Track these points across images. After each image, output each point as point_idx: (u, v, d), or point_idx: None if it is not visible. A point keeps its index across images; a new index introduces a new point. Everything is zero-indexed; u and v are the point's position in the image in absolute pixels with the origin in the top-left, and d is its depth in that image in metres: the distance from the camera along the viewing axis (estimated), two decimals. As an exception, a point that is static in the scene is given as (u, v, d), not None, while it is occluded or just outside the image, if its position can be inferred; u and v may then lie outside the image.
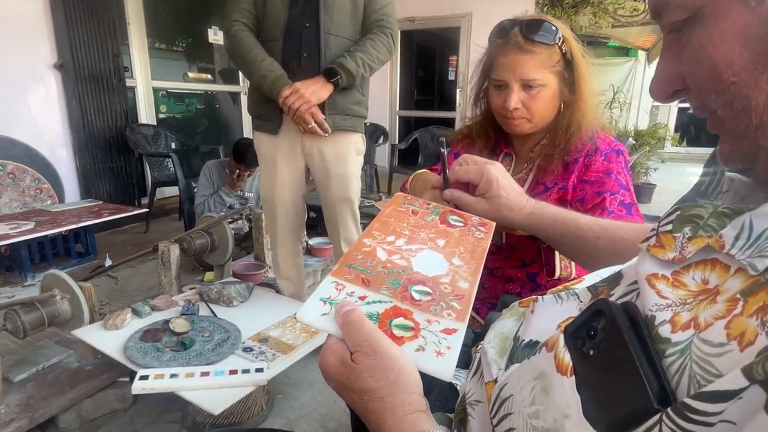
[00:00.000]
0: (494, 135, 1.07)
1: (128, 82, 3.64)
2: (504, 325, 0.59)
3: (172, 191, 3.90)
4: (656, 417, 0.29)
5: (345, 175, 1.72)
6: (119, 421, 1.53)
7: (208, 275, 2.31)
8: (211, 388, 1.21)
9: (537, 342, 0.49)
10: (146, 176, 3.74)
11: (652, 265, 0.38)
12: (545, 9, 4.67)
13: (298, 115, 1.54)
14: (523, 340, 0.52)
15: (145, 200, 3.65)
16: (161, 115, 4.35)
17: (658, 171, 4.84)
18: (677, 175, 5.52)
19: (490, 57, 0.99)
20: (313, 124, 1.56)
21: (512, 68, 0.93)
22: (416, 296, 0.54)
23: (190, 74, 4.77)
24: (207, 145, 3.98)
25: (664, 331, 0.33)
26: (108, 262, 2.70)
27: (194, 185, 2.99)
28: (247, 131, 4.96)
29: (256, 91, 1.65)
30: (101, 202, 3.03)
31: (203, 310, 1.65)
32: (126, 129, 3.48)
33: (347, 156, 1.71)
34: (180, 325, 1.46)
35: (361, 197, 3.46)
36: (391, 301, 0.52)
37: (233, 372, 1.25)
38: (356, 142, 1.74)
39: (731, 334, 0.29)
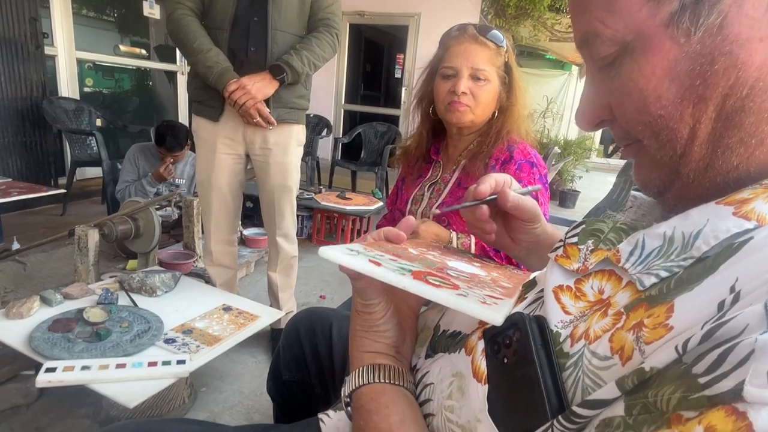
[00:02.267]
0: (428, 143, 1.13)
1: (48, 50, 3.32)
2: (426, 317, 0.62)
3: (95, 172, 3.62)
4: (548, 422, 0.32)
5: (285, 163, 1.71)
6: (21, 417, 1.41)
7: (132, 263, 2.18)
8: (128, 380, 1.15)
9: (460, 333, 0.53)
10: (65, 154, 3.45)
11: (558, 275, 0.41)
12: (489, 17, 4.85)
13: (243, 110, 1.53)
14: (446, 330, 0.55)
15: (63, 180, 3.36)
16: (87, 89, 4.02)
17: (583, 179, 5.21)
18: (599, 183, 5.98)
19: (443, 49, 1.05)
20: (259, 118, 1.56)
21: (465, 56, 1.00)
22: (453, 274, 0.50)
23: (123, 47, 4.44)
24: (137, 125, 3.73)
25: (566, 346, 0.36)
26: (15, 246, 2.46)
27: (120, 167, 2.80)
28: (183, 112, 4.71)
29: (198, 77, 1.59)
30: (10, 179, 2.75)
31: (123, 300, 1.56)
32: (43, 101, 3.18)
33: (288, 145, 1.70)
34: (95, 314, 1.37)
35: (301, 189, 3.43)
36: (427, 269, 0.48)
37: (152, 364, 1.20)
38: (298, 133, 1.73)
39: (614, 347, 0.32)
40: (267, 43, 1.54)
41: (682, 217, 0.35)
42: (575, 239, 0.42)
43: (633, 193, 0.47)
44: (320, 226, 3.26)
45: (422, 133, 1.13)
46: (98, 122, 3.63)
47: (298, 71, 1.55)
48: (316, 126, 4.68)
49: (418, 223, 0.86)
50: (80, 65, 3.79)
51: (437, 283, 0.43)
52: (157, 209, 1.98)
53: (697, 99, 0.33)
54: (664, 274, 0.34)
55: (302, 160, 4.08)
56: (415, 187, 1.16)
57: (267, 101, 1.57)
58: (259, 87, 1.51)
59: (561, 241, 0.44)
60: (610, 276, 0.38)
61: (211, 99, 1.60)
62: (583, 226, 0.43)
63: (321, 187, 3.95)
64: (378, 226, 0.84)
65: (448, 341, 0.53)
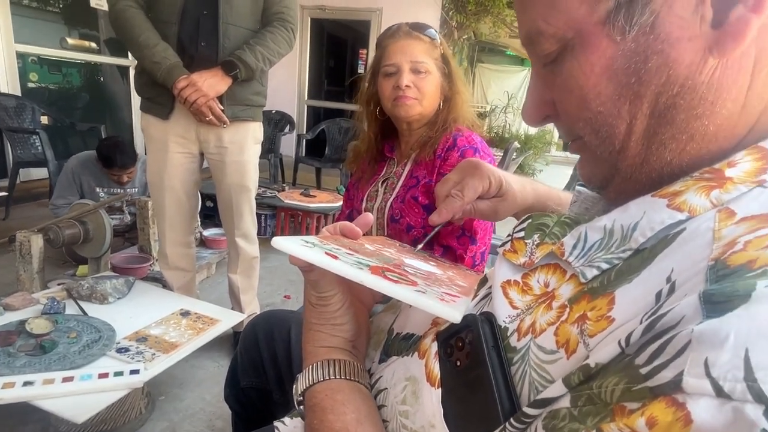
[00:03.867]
0: (378, 144, 1.15)
1: (-17, 43, 3.10)
2: (380, 320, 0.62)
3: (41, 173, 3.41)
4: (501, 425, 0.32)
5: (242, 162, 1.66)
6: (-42, 439, 1.31)
7: (82, 269, 2.07)
8: (76, 394, 1.09)
9: (413, 335, 0.52)
10: (6, 155, 3.23)
11: (506, 269, 0.42)
12: (450, 13, 4.89)
13: (194, 108, 1.47)
14: (399, 333, 0.55)
15: (4, 182, 3.15)
16: (31, 85, 3.78)
17: (543, 172, 5.37)
18: (559, 176, 6.16)
19: (381, 49, 1.08)
20: (211, 116, 1.50)
21: (403, 51, 1.04)
22: (410, 271, 0.50)
23: (70, 41, 4.19)
24: (86, 123, 3.54)
25: (513, 340, 0.36)
26: (-49, 254, 2.29)
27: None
28: (136, 109, 4.51)
29: (145, 73, 1.51)
30: (-57, 182, 2.56)
31: (71, 309, 1.47)
32: (-21, 98, 2.97)
33: (244, 144, 1.65)
34: (39, 325, 1.29)
35: (264, 187, 3.35)
36: (384, 265, 0.47)
37: (103, 375, 1.14)
38: (254, 131, 1.68)
39: (559, 341, 0.33)
40: (218, 37, 1.48)
41: (621, 209, 0.36)
42: (522, 234, 0.43)
43: (577, 187, 0.48)
44: (284, 224, 3.20)
45: (371, 137, 1.14)
46: (44, 120, 3.42)
47: (252, 67, 1.50)
48: (279, 122, 4.58)
49: (374, 220, 0.86)
50: (22, 59, 3.55)
51: (396, 279, 0.43)
52: (110, 215, 1.88)
53: (632, 96, 0.33)
54: (605, 266, 0.34)
55: (265, 157, 4.02)
56: (370, 185, 1.16)
57: (220, 98, 1.51)
58: (210, 84, 1.44)
59: (509, 235, 0.44)
60: (555, 269, 0.38)
61: (160, 96, 1.52)
62: (530, 220, 0.43)
63: (284, 184, 3.88)
64: None
65: (401, 344, 0.52)
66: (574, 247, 0.37)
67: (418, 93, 1.04)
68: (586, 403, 0.27)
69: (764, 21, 0.29)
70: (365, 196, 1.16)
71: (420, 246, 0.66)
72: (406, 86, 1.03)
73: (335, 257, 0.42)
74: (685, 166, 0.34)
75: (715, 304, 0.23)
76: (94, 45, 4.38)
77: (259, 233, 2.93)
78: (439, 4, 4.86)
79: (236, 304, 1.85)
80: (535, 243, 0.41)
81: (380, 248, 0.61)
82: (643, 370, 0.24)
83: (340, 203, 3.13)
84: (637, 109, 0.33)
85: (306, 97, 5.84)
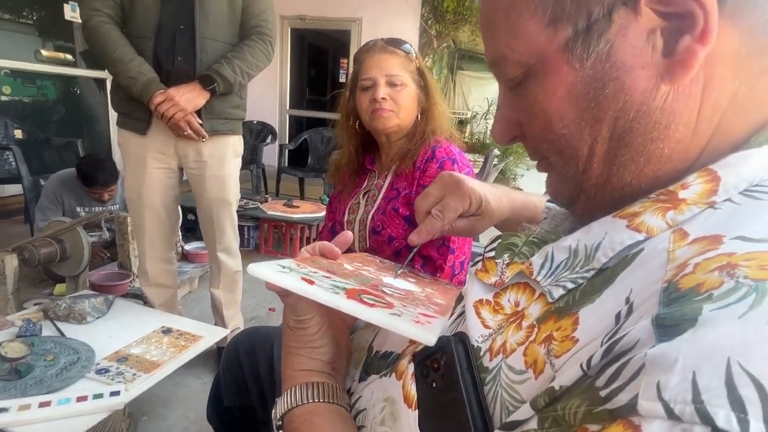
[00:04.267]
0: (358, 158, 1.17)
1: (-47, 56, 3.03)
2: (360, 337, 0.62)
3: (15, 189, 3.33)
4: None
5: (222, 176, 1.65)
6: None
7: (59, 288, 2.02)
8: (54, 419, 1.06)
9: (392, 353, 0.52)
10: (-22, 171, 3.15)
11: (478, 289, 0.42)
12: (429, 22, 4.95)
13: (172, 123, 1.45)
14: (378, 351, 0.55)
15: (-23, 200, 3.07)
16: (4, 99, 3.70)
17: (525, 177, 5.44)
18: (540, 182, 6.23)
19: (358, 64, 1.10)
20: (190, 131, 1.48)
21: (379, 65, 1.06)
22: (388, 291, 0.50)
23: (44, 53, 4.11)
24: (62, 138, 3.48)
25: (486, 360, 0.37)
26: None
27: (42, 183, 2.58)
28: (114, 122, 4.44)
29: (121, 88, 1.49)
30: None
31: (48, 330, 1.44)
32: (-51, 114, 2.89)
33: (224, 157, 1.64)
34: (14, 349, 1.25)
35: (246, 198, 3.33)
36: (361, 287, 0.48)
37: (82, 398, 1.12)
38: (234, 144, 1.68)
39: (528, 361, 0.33)
40: (195, 51, 1.48)
41: (584, 230, 0.37)
42: (492, 253, 0.44)
43: (547, 204, 0.49)
44: (267, 236, 3.18)
45: (351, 150, 1.16)
46: (18, 134, 3.35)
47: (230, 81, 1.49)
48: (260, 133, 4.56)
49: (354, 236, 0.87)
50: (-6, 72, 3.48)
51: (371, 301, 0.43)
52: (90, 233, 1.84)
53: (593, 120, 0.35)
54: (570, 285, 0.35)
55: (247, 168, 3.99)
56: (351, 198, 1.17)
57: (198, 112, 1.50)
58: (188, 98, 1.44)
59: (480, 255, 0.45)
60: (525, 288, 0.39)
61: (136, 111, 1.50)
62: (500, 240, 0.44)
63: (267, 195, 3.86)
64: (319, 240, 0.82)
65: (380, 362, 0.52)
66: (542, 266, 0.38)
67: (395, 105, 1.06)
68: (552, 425, 0.28)
69: (710, 50, 0.31)
70: (347, 209, 1.17)
71: (401, 269, 0.66)
72: (382, 99, 1.05)
73: (311, 282, 0.42)
74: (644, 187, 0.35)
75: (666, 327, 0.24)
76: (69, 57, 4.31)
77: (242, 245, 2.91)
78: (418, 13, 4.92)
79: (219, 320, 1.83)
80: (505, 262, 0.42)
81: (360, 267, 0.61)
82: (603, 393, 0.25)
83: (323, 213, 3.12)
84: (597, 132, 0.35)
85: (288, 107, 5.83)
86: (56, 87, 4.33)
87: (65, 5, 3.81)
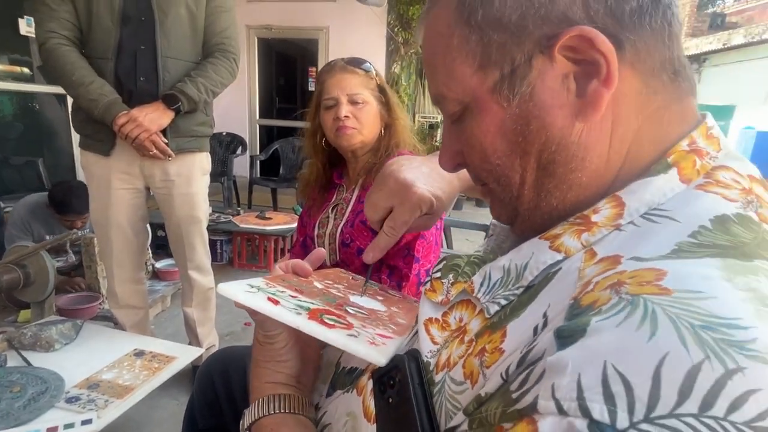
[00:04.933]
0: (326, 174, 1.21)
1: None
2: (329, 353, 0.64)
3: (-28, 212, 3.20)
4: None
5: (190, 194, 1.64)
6: None
7: (24, 314, 1.96)
8: (22, 453, 1.04)
9: (356, 369, 0.55)
10: (-68, 195, 3.01)
11: (428, 308, 0.46)
12: (396, 30, 5.02)
13: (137, 144, 1.44)
14: (345, 367, 0.58)
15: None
16: (-46, 117, 3.55)
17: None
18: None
19: (320, 84, 1.14)
20: (155, 150, 1.47)
21: (340, 85, 1.10)
22: (351, 311, 0.53)
23: (0, 67, 3.97)
24: (21, 156, 3.36)
25: (434, 374, 0.40)
26: None
27: (2, 206, 2.49)
28: (77, 138, 4.31)
29: (83, 109, 1.47)
30: None
31: (14, 360, 1.40)
32: None
33: (192, 175, 1.64)
34: (-22, 383, 1.22)
35: (218, 212, 3.29)
36: (326, 307, 0.50)
37: (52, 429, 1.10)
38: (201, 162, 1.67)
39: (466, 373, 0.37)
40: (158, 71, 1.47)
41: (516, 250, 0.41)
42: (439, 274, 0.47)
43: (492, 221, 0.53)
44: (241, 249, 3.15)
45: (318, 167, 1.19)
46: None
47: (195, 99, 1.49)
48: (230, 144, 4.52)
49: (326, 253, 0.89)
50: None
51: (332, 322, 0.46)
52: (56, 257, 1.80)
53: (522, 152, 0.39)
54: (503, 302, 0.39)
55: (217, 181, 3.94)
56: (321, 212, 1.20)
57: (164, 131, 1.49)
58: (152, 118, 1.43)
59: (429, 276, 0.48)
60: (467, 305, 0.43)
61: (99, 132, 1.48)
62: (444, 261, 0.48)
63: (239, 208, 3.83)
64: (291, 255, 0.82)
65: (345, 378, 0.55)
66: (481, 284, 0.42)
67: (357, 123, 1.10)
68: (478, 426, 0.32)
69: (615, 92, 0.35)
70: (317, 223, 1.20)
71: (365, 286, 0.69)
72: (345, 116, 1.09)
73: (276, 302, 0.45)
74: (568, 210, 0.39)
75: (564, 338, 0.28)
76: (26, 71, 4.16)
77: (215, 260, 2.88)
78: (384, 22, 4.97)
79: (193, 338, 1.81)
80: (450, 282, 0.45)
81: (330, 285, 0.64)
82: (514, 395, 0.29)
83: (296, 224, 3.13)
84: (526, 163, 0.39)
85: (257, 116, 5.79)
86: (13, 103, 4.17)
87: (20, 20, 3.68)
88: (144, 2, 1.43)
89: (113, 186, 1.55)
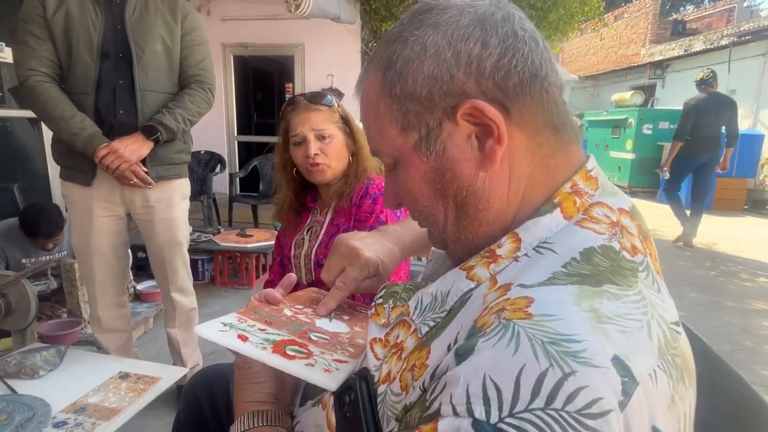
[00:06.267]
0: (299, 200, 1.29)
1: None
2: None
3: (-54, 240, 3.15)
4: None
5: (171, 219, 1.70)
6: None
7: (5, 342, 1.97)
8: (13, 479, 1.08)
9: None
10: None
11: (374, 329, 0.54)
12: (370, 45, 5.14)
13: (118, 174, 1.49)
14: None
15: None
16: (-77, 143, 3.49)
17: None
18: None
19: (286, 121, 1.21)
20: (136, 179, 1.52)
21: (305, 122, 1.17)
22: (314, 338, 0.60)
23: (-32, 91, 3.92)
24: (-4, 183, 3.34)
25: (377, 386, 0.48)
26: None
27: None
28: (53, 163, 4.28)
29: (63, 142, 1.52)
30: None
31: (-2, 389, 1.42)
32: None
33: (171, 201, 1.69)
34: (-35, 413, 1.24)
35: (198, 231, 3.32)
36: (290, 337, 0.58)
37: (41, 454, 1.13)
38: (181, 187, 1.73)
39: (402, 385, 0.45)
40: (136, 104, 1.53)
41: (442, 279, 0.50)
42: (381, 300, 0.55)
43: (432, 248, 0.62)
44: (222, 267, 3.19)
45: (291, 195, 1.27)
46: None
47: (173, 129, 1.55)
48: (209, 162, 4.55)
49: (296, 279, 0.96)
50: None
51: (293, 353, 0.54)
52: (36, 282, 1.82)
53: (442, 197, 0.48)
54: (432, 324, 0.47)
55: (197, 199, 3.96)
56: (296, 234, 1.27)
57: (144, 161, 1.55)
58: (132, 149, 1.48)
59: (374, 302, 0.57)
60: (404, 325, 0.51)
61: (80, 164, 1.53)
62: (385, 289, 0.56)
63: (220, 226, 3.86)
64: (266, 280, 0.88)
65: (315, 388, 0.63)
66: (415, 308, 0.50)
67: (326, 158, 1.18)
68: (404, 428, 0.40)
69: (508, 146, 0.44)
70: (293, 244, 1.27)
71: (331, 316, 0.75)
72: (315, 154, 1.16)
73: (245, 338, 0.54)
74: (481, 243, 0.48)
75: (460, 356, 0.36)
76: (-2, 93, 4.12)
77: (197, 278, 2.91)
78: (358, 38, 5.09)
79: (177, 359, 1.85)
80: (391, 306, 0.54)
81: (300, 310, 0.71)
82: (427, 403, 0.37)
83: (277, 240, 3.17)
84: (446, 205, 0.48)
85: (236, 133, 5.82)
86: (-16, 127, 4.12)
87: (-9, 45, 3.67)
88: (122, 39, 1.49)
89: (95, 214, 1.59)
